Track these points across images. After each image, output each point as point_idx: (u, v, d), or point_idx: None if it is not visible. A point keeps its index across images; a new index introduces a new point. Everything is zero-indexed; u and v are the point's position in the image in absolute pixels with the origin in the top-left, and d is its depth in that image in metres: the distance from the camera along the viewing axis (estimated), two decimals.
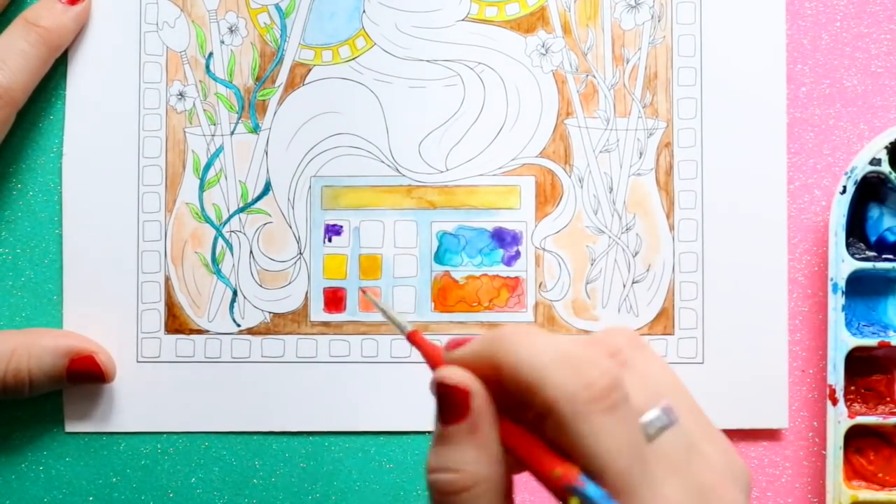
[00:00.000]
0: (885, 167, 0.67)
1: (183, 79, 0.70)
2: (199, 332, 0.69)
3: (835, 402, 0.67)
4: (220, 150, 0.70)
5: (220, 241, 0.69)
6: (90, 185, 0.69)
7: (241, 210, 0.69)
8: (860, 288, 0.69)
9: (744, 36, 0.69)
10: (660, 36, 0.69)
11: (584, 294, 0.69)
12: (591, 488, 0.46)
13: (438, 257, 0.69)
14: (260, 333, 0.69)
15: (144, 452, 0.69)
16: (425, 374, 0.68)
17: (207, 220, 0.69)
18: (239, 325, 0.69)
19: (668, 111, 0.69)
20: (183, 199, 0.70)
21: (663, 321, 0.69)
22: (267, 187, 0.69)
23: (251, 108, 0.70)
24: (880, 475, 0.68)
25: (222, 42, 0.70)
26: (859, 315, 0.69)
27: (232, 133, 0.70)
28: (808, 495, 0.69)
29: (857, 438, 0.68)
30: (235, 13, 0.70)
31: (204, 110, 0.70)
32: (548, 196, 0.69)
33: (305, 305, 0.69)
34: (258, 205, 0.69)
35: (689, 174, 0.69)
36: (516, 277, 0.69)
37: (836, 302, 0.67)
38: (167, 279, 0.69)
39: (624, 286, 0.69)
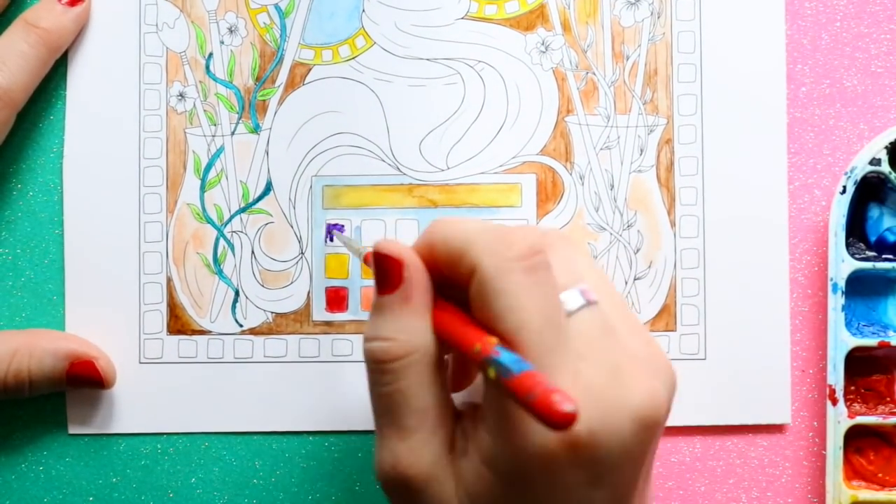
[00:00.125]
0: (885, 167, 0.67)
1: (183, 79, 0.70)
2: (202, 332, 0.69)
3: (835, 402, 0.67)
4: (220, 150, 0.69)
5: (222, 242, 0.69)
6: (91, 186, 0.69)
7: (242, 210, 0.69)
8: (860, 288, 0.69)
9: (743, 32, 0.69)
10: (659, 32, 0.69)
11: None
12: (504, 355, 0.48)
13: None
14: (262, 333, 0.69)
15: (144, 453, 0.70)
16: None
17: (209, 220, 0.69)
18: (241, 326, 0.69)
19: (668, 108, 0.69)
20: (184, 199, 0.69)
21: (665, 318, 0.69)
22: (268, 187, 0.69)
23: (251, 109, 0.70)
24: (880, 475, 0.68)
25: (222, 42, 0.70)
26: (859, 315, 0.69)
27: (232, 133, 0.70)
28: (808, 495, 0.69)
29: (857, 438, 0.68)
30: (235, 13, 0.70)
31: (204, 111, 0.70)
32: (549, 194, 0.69)
33: (307, 305, 0.69)
34: (259, 205, 0.69)
35: (690, 170, 0.69)
36: None
37: (836, 302, 0.67)
38: (169, 280, 0.69)
39: (626, 283, 0.69)
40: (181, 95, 0.70)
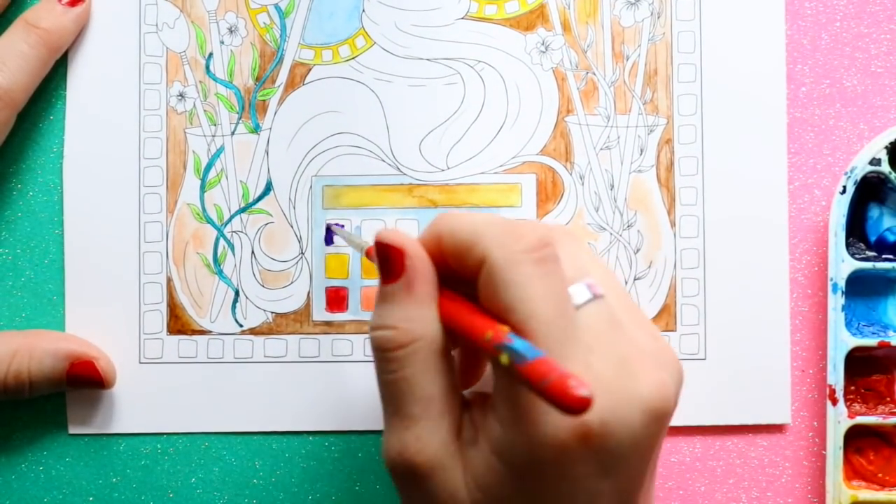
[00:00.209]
0: (885, 167, 0.67)
1: (183, 79, 0.70)
2: (202, 332, 0.69)
3: (835, 402, 0.67)
4: (220, 150, 0.69)
5: (222, 242, 0.69)
6: (91, 186, 0.69)
7: (242, 210, 0.69)
8: (860, 288, 0.69)
9: (743, 32, 0.69)
10: (659, 32, 0.69)
11: None
12: (518, 342, 0.48)
13: None
14: (262, 333, 0.69)
15: (144, 453, 0.70)
16: None
17: (209, 220, 0.69)
18: (241, 326, 0.69)
19: (668, 108, 0.69)
20: (184, 199, 0.69)
21: (665, 317, 0.69)
22: (268, 187, 0.69)
23: (251, 109, 0.70)
24: (880, 475, 0.68)
25: (222, 42, 0.70)
26: (859, 315, 0.69)
27: (232, 133, 0.70)
28: (808, 495, 0.69)
29: (857, 438, 0.68)
30: (235, 13, 0.70)
31: (204, 111, 0.70)
32: (549, 194, 0.69)
33: (307, 305, 0.69)
34: (259, 205, 0.69)
35: (690, 170, 0.69)
36: None
37: (836, 302, 0.67)
38: (169, 280, 0.69)
39: (626, 283, 0.69)
40: (181, 95, 0.70)
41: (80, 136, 0.70)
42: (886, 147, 0.67)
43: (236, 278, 0.69)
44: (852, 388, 0.69)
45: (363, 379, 0.69)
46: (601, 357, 0.50)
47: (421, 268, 0.53)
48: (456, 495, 0.52)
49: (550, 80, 0.70)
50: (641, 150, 0.69)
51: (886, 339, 0.67)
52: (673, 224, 0.69)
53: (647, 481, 0.54)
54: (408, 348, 0.52)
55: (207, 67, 0.70)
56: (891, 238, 0.68)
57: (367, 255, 0.62)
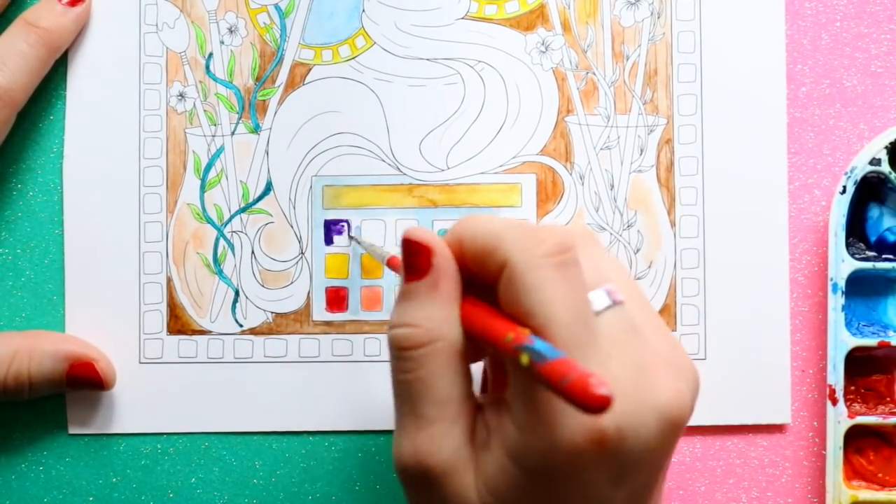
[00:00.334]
0: (885, 167, 0.67)
1: (183, 79, 0.70)
2: (202, 332, 0.69)
3: (835, 402, 0.67)
4: (220, 150, 0.69)
5: (222, 242, 0.69)
6: (91, 186, 0.69)
7: (242, 210, 0.69)
8: (860, 288, 0.69)
9: (743, 32, 0.69)
10: (659, 32, 0.69)
11: None
12: (539, 344, 0.48)
13: None
14: (262, 333, 0.69)
15: (144, 453, 0.70)
16: None
17: (209, 220, 0.69)
18: (241, 326, 0.69)
19: (668, 108, 0.69)
20: (184, 199, 0.69)
21: (665, 318, 0.69)
22: (268, 187, 0.69)
23: (251, 109, 0.70)
24: (880, 475, 0.68)
25: (222, 42, 0.70)
26: (859, 315, 0.69)
27: (232, 133, 0.70)
28: (808, 495, 0.69)
29: (857, 438, 0.68)
30: (235, 13, 0.70)
31: (204, 111, 0.70)
32: (549, 194, 0.69)
33: (307, 305, 0.69)
34: (259, 205, 0.69)
35: (690, 170, 0.69)
36: None
37: (836, 302, 0.67)
38: (169, 280, 0.69)
39: None
40: (181, 95, 0.70)
41: (80, 136, 0.70)
42: (886, 147, 0.67)
43: (236, 278, 0.69)
44: (852, 388, 0.69)
45: (363, 379, 0.69)
46: (619, 363, 0.50)
47: (447, 267, 0.53)
48: (466, 499, 0.51)
49: (550, 80, 0.70)
50: (641, 150, 0.69)
51: (886, 339, 0.67)
52: (673, 224, 0.69)
53: (658, 488, 0.54)
54: (427, 348, 0.52)
55: (207, 67, 0.70)
56: (891, 238, 0.68)
57: (389, 264, 0.62)
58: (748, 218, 0.68)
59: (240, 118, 0.69)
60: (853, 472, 0.69)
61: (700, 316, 0.69)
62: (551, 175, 0.69)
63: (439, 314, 0.53)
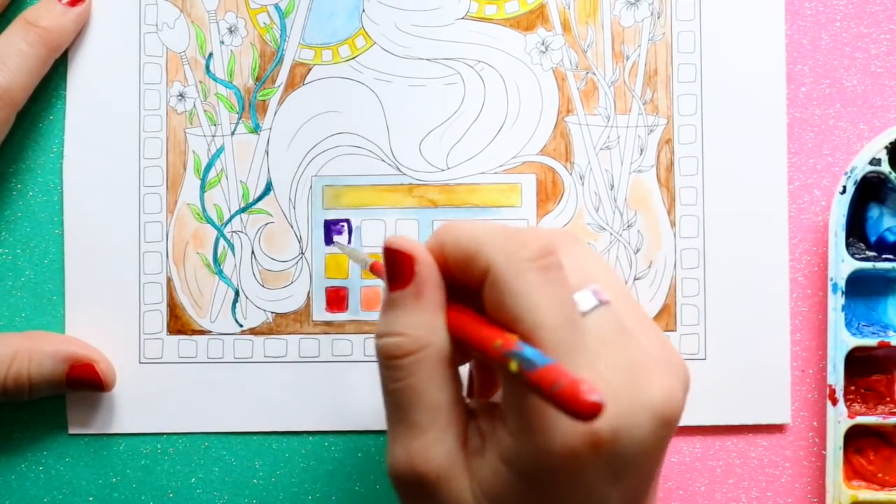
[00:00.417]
0: (885, 167, 0.67)
1: (183, 79, 0.70)
2: (202, 332, 0.69)
3: (835, 402, 0.67)
4: (220, 150, 0.69)
5: (222, 242, 0.69)
6: (91, 186, 0.69)
7: (242, 210, 0.69)
8: (860, 288, 0.69)
9: (743, 32, 0.69)
10: (659, 32, 0.69)
11: None
12: (528, 350, 0.48)
13: None
14: (262, 333, 0.69)
15: (144, 453, 0.70)
16: None
17: (209, 220, 0.69)
18: (241, 326, 0.69)
19: (668, 108, 0.69)
20: (184, 199, 0.69)
21: (665, 318, 0.69)
22: (268, 187, 0.69)
23: (251, 109, 0.70)
24: (880, 475, 0.68)
25: (222, 42, 0.70)
26: (859, 315, 0.69)
27: (232, 133, 0.70)
28: (808, 495, 0.69)
29: (857, 438, 0.68)
30: (235, 13, 0.70)
31: (204, 111, 0.70)
32: (549, 194, 0.69)
33: (307, 305, 0.69)
34: (259, 205, 0.69)
35: (690, 170, 0.69)
36: None
37: (836, 302, 0.67)
38: (169, 280, 0.69)
39: (626, 283, 0.69)
40: (181, 95, 0.70)
41: (80, 136, 0.70)
42: (886, 147, 0.67)
43: (236, 278, 0.69)
44: (852, 388, 0.69)
45: (363, 379, 0.69)
46: (609, 364, 0.50)
47: (430, 275, 0.53)
48: None
49: (550, 80, 0.70)
50: (641, 150, 0.69)
51: (886, 339, 0.67)
52: (673, 224, 0.69)
53: (654, 486, 0.54)
54: (416, 355, 0.52)
55: (207, 67, 0.70)
56: (891, 238, 0.68)
57: (372, 269, 0.61)
58: (748, 218, 0.68)
59: (240, 118, 0.69)
60: (853, 472, 0.69)
61: (700, 316, 0.69)
62: (551, 175, 0.69)
63: (425, 321, 0.52)
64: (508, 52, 0.70)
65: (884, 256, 0.68)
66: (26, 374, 0.65)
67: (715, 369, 0.68)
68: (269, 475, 0.69)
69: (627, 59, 0.69)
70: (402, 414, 0.52)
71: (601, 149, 0.69)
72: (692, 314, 0.69)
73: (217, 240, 0.69)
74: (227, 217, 0.69)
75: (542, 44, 0.69)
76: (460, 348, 0.53)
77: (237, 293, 0.69)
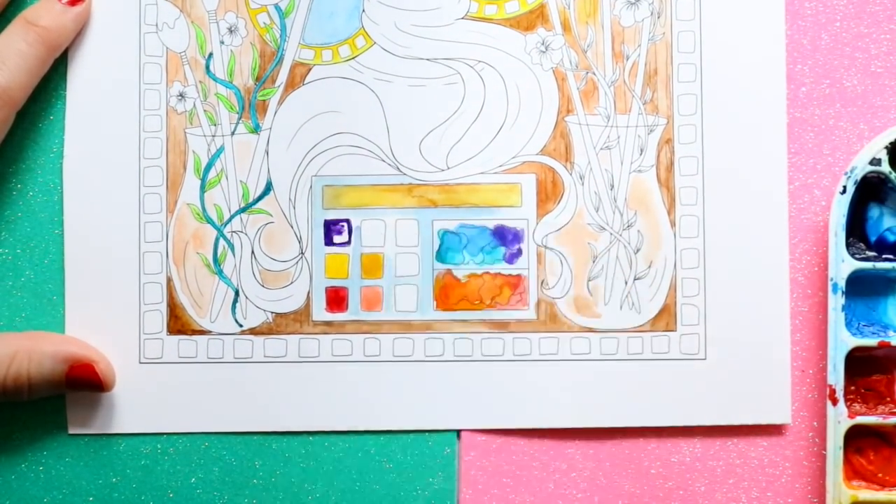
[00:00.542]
0: (885, 167, 0.67)
1: (183, 79, 0.70)
2: (202, 332, 0.69)
3: (835, 402, 0.67)
4: (220, 150, 0.69)
5: (222, 242, 0.69)
6: (91, 186, 0.69)
7: (242, 210, 0.69)
8: (860, 288, 0.69)
9: (743, 32, 0.69)
10: (659, 32, 0.69)
11: (587, 291, 0.69)
12: None
13: (440, 256, 0.69)
14: (262, 333, 0.69)
15: (144, 453, 0.70)
16: (428, 374, 0.69)
17: (209, 220, 0.69)
18: (241, 326, 0.69)
19: (668, 107, 0.69)
20: (184, 199, 0.69)
21: (665, 318, 0.69)
22: (268, 187, 0.69)
23: (251, 109, 0.70)
24: (880, 475, 0.68)
25: (222, 42, 0.70)
26: (859, 315, 0.69)
27: (232, 133, 0.70)
28: (808, 495, 0.69)
29: (857, 438, 0.68)
30: (235, 13, 0.70)
31: (204, 111, 0.70)
32: (549, 193, 0.69)
33: (307, 305, 0.69)
34: (259, 205, 0.69)
35: (690, 170, 0.69)
36: (518, 275, 0.69)
37: (836, 302, 0.67)
38: (169, 280, 0.69)
39: (626, 283, 0.69)
40: (181, 95, 0.70)
41: (80, 136, 0.70)
42: (886, 147, 0.67)
43: (236, 278, 0.69)
44: (852, 388, 0.69)
45: (363, 379, 0.69)
46: None
47: None
48: None
49: (550, 80, 0.70)
50: (641, 150, 0.69)
51: (886, 339, 0.67)
52: (673, 224, 0.69)
53: None
54: None
55: (207, 67, 0.70)
56: (891, 238, 0.68)
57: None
58: (748, 218, 0.68)
59: (240, 118, 0.69)
60: (853, 472, 0.69)
61: (700, 316, 0.69)
62: (551, 175, 0.69)
63: None
64: (508, 52, 0.70)
65: (884, 256, 0.68)
66: (26, 374, 0.65)
67: (715, 369, 0.68)
68: (269, 475, 0.69)
69: (627, 59, 0.69)
70: None
71: (601, 149, 0.69)
72: (692, 314, 0.69)
73: (217, 240, 0.69)
74: (227, 217, 0.69)
75: (542, 44, 0.69)
76: None
77: (237, 293, 0.69)
